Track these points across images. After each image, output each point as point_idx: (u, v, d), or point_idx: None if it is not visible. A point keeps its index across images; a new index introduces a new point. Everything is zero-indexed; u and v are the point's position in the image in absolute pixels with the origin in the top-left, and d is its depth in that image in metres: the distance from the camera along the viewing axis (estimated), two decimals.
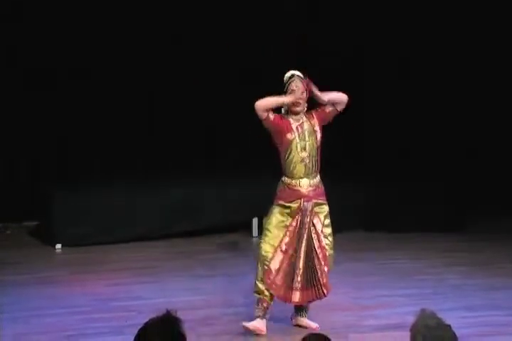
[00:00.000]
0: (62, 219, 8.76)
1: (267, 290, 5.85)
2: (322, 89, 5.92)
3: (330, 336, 2.72)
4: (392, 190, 9.65)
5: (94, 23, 9.62)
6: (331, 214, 6.02)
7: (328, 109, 5.95)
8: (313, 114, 5.98)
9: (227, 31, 9.98)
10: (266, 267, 5.82)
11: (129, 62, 9.79)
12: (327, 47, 10.15)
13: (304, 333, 2.76)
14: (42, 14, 9.49)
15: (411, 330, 2.64)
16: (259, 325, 5.85)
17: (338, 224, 8.88)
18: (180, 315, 2.77)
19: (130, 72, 9.78)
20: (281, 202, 5.88)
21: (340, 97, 5.93)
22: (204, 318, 6.07)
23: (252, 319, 5.88)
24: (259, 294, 5.89)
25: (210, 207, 9.16)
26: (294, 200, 5.85)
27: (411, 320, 2.70)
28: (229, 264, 7.90)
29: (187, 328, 2.76)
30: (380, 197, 9.58)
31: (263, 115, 5.86)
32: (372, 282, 7.26)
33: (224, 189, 9.24)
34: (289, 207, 5.86)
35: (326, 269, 5.89)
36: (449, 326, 2.64)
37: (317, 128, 5.94)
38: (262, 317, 5.88)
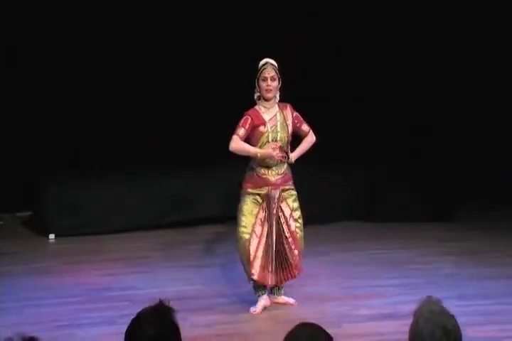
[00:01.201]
0: (56, 210, 8.77)
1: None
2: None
3: (322, 326, 2.72)
4: (380, 179, 9.63)
5: (94, 23, 9.57)
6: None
7: (303, 130, 6.18)
8: (289, 110, 6.12)
9: (226, 31, 9.93)
10: (249, 256, 6.00)
11: (129, 61, 9.74)
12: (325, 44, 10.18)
13: (295, 321, 2.76)
14: (42, 14, 9.45)
15: (414, 315, 2.64)
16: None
17: (326, 214, 8.89)
18: (173, 304, 2.79)
19: (130, 71, 9.74)
20: (250, 190, 6.02)
21: (311, 145, 6.23)
22: (196, 308, 6.10)
23: (243, 307, 6.08)
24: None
25: (202, 198, 9.16)
26: (262, 187, 6.01)
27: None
28: (220, 254, 7.89)
29: (180, 318, 2.77)
30: (368, 187, 9.56)
31: None
32: (363, 272, 7.26)
33: (216, 180, 9.23)
34: (258, 195, 6.02)
35: (296, 252, 6.07)
36: (453, 316, 2.65)
37: (289, 122, 6.09)
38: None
